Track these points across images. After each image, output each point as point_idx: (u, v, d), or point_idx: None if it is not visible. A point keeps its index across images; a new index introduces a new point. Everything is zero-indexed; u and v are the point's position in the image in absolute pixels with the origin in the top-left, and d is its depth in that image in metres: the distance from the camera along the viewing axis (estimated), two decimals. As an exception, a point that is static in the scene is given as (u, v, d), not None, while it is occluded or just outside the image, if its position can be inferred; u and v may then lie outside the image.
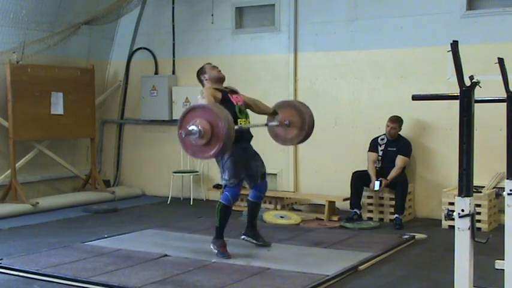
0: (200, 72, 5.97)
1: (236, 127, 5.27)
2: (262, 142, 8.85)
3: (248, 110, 5.94)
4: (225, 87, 5.90)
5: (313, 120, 6.13)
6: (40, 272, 5.06)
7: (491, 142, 6.93)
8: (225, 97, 5.71)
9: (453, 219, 2.77)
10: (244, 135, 5.77)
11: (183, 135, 4.94)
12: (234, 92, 5.92)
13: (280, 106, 6.21)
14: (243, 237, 6.01)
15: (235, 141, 5.38)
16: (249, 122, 5.85)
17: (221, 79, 5.91)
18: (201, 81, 5.96)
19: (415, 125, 7.79)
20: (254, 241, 5.99)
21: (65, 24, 8.82)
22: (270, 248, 5.96)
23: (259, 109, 6.15)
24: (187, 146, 5.06)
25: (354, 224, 7.21)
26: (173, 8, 9.61)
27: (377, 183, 7.32)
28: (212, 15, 9.16)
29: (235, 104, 5.73)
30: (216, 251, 5.59)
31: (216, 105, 5.19)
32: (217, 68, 5.97)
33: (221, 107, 5.11)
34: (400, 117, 7.54)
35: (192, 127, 4.89)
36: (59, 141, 9.39)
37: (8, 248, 6.15)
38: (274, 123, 6.11)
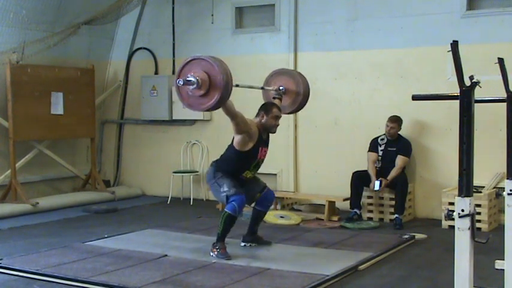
0: (265, 109, 5.73)
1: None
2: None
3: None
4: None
5: (309, 90, 6.23)
6: (40, 272, 5.06)
7: (491, 142, 6.92)
8: (257, 145, 5.60)
9: (453, 219, 2.77)
10: (243, 182, 5.70)
11: (181, 83, 4.90)
12: (267, 143, 5.78)
13: (277, 73, 6.29)
14: (243, 244, 5.97)
15: (230, 174, 5.57)
16: (255, 173, 5.80)
17: (273, 130, 5.78)
18: (257, 115, 5.76)
19: (415, 125, 7.79)
20: (255, 244, 5.98)
21: (65, 24, 8.82)
22: (269, 247, 5.96)
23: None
24: (184, 96, 5.03)
25: (354, 224, 7.21)
26: (173, 8, 9.61)
27: (377, 183, 7.32)
28: (212, 15, 9.16)
29: (257, 157, 5.64)
30: (216, 252, 5.55)
31: (215, 57, 5.07)
32: (278, 120, 5.75)
33: (218, 58, 5.03)
34: (399, 117, 7.54)
35: (190, 78, 4.87)
36: (59, 141, 9.39)
37: (8, 248, 6.15)
38: (270, 88, 6.17)
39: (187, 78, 4.89)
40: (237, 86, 5.38)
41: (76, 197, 9.05)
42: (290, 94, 6.21)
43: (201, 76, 4.87)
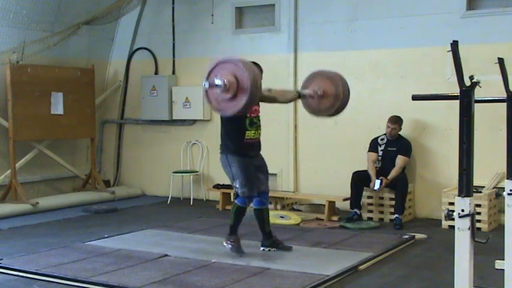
0: None
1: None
2: (261, 141, 8.88)
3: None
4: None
5: (349, 94, 5.81)
6: (40, 272, 5.07)
7: (491, 142, 6.92)
8: None
9: (453, 219, 2.77)
10: (252, 148, 5.71)
11: (207, 86, 4.75)
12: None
13: (313, 76, 5.91)
14: (262, 249, 5.88)
15: (241, 153, 5.52)
16: (259, 134, 5.75)
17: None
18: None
19: (415, 125, 7.79)
20: (274, 249, 5.86)
21: (65, 24, 8.83)
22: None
23: (281, 100, 6.05)
24: (212, 100, 4.84)
25: (354, 224, 7.21)
26: (173, 8, 9.61)
27: (377, 182, 7.32)
28: (212, 15, 9.16)
29: (248, 115, 5.60)
30: (230, 246, 5.68)
31: (243, 59, 4.89)
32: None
33: (247, 61, 4.89)
34: (399, 117, 7.54)
35: (217, 80, 4.71)
36: (59, 141, 9.39)
37: (8, 248, 6.15)
38: (306, 91, 5.77)
39: (214, 81, 4.76)
40: (269, 90, 5.29)
41: (76, 197, 9.05)
42: (328, 97, 5.74)
43: (228, 78, 4.71)
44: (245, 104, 4.70)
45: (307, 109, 5.89)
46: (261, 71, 5.72)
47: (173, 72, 9.66)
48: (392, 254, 5.85)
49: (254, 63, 5.70)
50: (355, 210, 7.44)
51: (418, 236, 6.58)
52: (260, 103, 5.69)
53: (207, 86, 4.76)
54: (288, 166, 8.68)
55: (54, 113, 8.79)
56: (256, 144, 5.79)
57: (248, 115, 5.61)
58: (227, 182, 8.89)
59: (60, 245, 6.15)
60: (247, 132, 5.62)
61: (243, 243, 5.85)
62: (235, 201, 5.75)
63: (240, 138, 5.61)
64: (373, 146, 7.68)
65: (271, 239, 5.88)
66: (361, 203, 7.52)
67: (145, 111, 9.74)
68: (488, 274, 4.94)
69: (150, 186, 9.95)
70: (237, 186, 5.61)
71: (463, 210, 2.73)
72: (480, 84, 2.80)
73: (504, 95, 4.08)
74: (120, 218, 7.99)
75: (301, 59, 8.59)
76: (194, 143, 9.46)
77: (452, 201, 4.53)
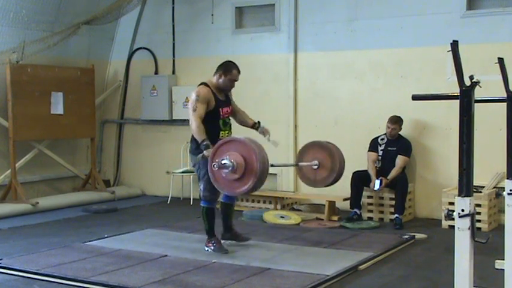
0: (224, 70, 5.72)
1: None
2: (262, 141, 8.88)
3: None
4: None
5: (344, 161, 6.02)
6: (40, 272, 5.06)
7: (491, 142, 6.92)
8: (216, 108, 5.65)
9: (453, 219, 2.77)
10: None
11: (216, 167, 4.73)
12: (227, 102, 5.82)
13: (309, 147, 6.06)
14: (222, 242, 5.98)
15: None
16: (231, 133, 5.81)
17: (228, 91, 5.84)
18: (215, 73, 5.75)
19: (415, 125, 7.79)
20: (234, 241, 6.03)
21: (65, 24, 8.83)
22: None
23: (240, 120, 6.11)
24: (217, 178, 4.85)
25: (354, 224, 7.21)
26: (173, 8, 9.61)
27: (377, 182, 7.32)
28: (212, 15, 9.16)
29: (221, 117, 5.68)
30: (213, 248, 5.69)
31: (251, 139, 4.96)
32: (234, 83, 5.79)
33: (256, 142, 4.90)
34: (400, 117, 7.54)
35: (225, 161, 4.71)
36: (59, 141, 9.39)
37: (8, 248, 6.15)
38: (304, 163, 5.93)
39: (223, 162, 4.72)
40: (272, 166, 5.29)
41: (76, 197, 9.05)
42: (325, 169, 5.92)
43: (237, 160, 4.70)
44: (251, 188, 4.72)
45: (303, 180, 6.02)
46: (239, 72, 5.79)
47: (173, 72, 9.66)
48: (392, 254, 5.85)
49: (230, 62, 5.80)
50: (355, 210, 7.44)
51: (418, 236, 6.58)
52: (232, 104, 5.87)
53: (216, 167, 4.70)
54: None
55: (54, 112, 8.79)
56: None
57: (221, 116, 5.69)
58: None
59: (60, 245, 6.15)
60: (222, 132, 5.68)
61: (240, 243, 5.92)
62: (201, 204, 5.77)
63: (214, 138, 5.60)
64: (373, 145, 7.68)
65: (231, 232, 6.04)
66: (361, 203, 7.52)
67: (145, 111, 9.74)
68: (488, 274, 4.94)
69: (150, 186, 9.95)
70: (201, 188, 5.69)
71: (463, 210, 2.73)
72: (480, 84, 2.80)
73: (504, 95, 4.08)
74: (120, 218, 7.99)
75: (301, 59, 8.59)
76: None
77: (452, 201, 4.53)
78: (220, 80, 5.69)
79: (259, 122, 6.10)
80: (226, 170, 4.75)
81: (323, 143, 6.06)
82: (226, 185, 4.85)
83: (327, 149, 5.95)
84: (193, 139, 5.62)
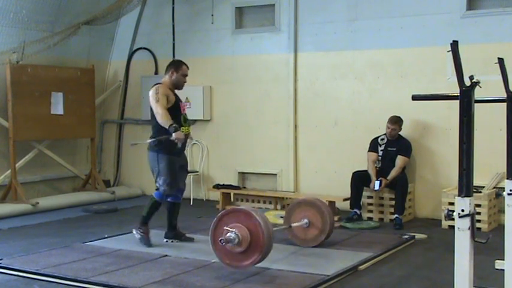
0: (175, 67, 6.04)
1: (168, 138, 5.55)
2: (262, 141, 8.90)
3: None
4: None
5: (334, 218, 6.09)
6: (40, 272, 5.07)
7: (491, 142, 6.93)
8: (177, 103, 5.93)
9: (453, 219, 2.77)
10: (182, 145, 5.96)
11: (223, 243, 4.64)
12: (180, 99, 6.10)
13: (296, 206, 6.04)
14: (165, 240, 6.21)
15: (172, 151, 5.79)
16: (190, 130, 6.10)
17: (181, 88, 6.11)
18: (167, 72, 6.04)
19: (415, 125, 7.79)
20: (177, 240, 6.21)
21: (65, 24, 8.83)
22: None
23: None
24: (219, 250, 4.77)
25: (354, 224, 7.21)
26: (173, 8, 9.61)
27: (377, 183, 7.32)
28: (212, 15, 9.16)
29: (182, 112, 5.95)
30: (140, 236, 5.95)
31: (256, 210, 4.92)
32: (186, 78, 6.11)
33: (261, 213, 4.84)
34: (400, 117, 7.53)
35: (231, 234, 4.64)
36: (59, 141, 9.39)
37: (8, 248, 6.15)
38: (296, 224, 5.88)
39: (228, 236, 4.64)
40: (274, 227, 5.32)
41: (76, 197, 9.05)
42: (314, 229, 5.90)
43: (242, 233, 4.64)
44: (255, 262, 4.70)
45: (294, 240, 5.99)
46: (187, 67, 6.10)
47: (173, 72, 9.64)
48: (392, 254, 5.85)
49: (177, 59, 5.94)
50: (355, 210, 7.44)
51: (418, 236, 6.58)
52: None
53: (222, 243, 4.64)
54: (288, 166, 8.68)
55: (54, 113, 8.79)
56: (186, 140, 6.03)
57: (182, 111, 5.97)
58: (227, 182, 8.92)
59: (60, 245, 6.15)
60: (182, 128, 5.87)
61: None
62: (153, 194, 6.03)
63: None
64: (373, 145, 7.68)
65: (175, 231, 6.26)
66: (361, 203, 7.52)
67: (145, 111, 9.71)
68: (488, 274, 4.94)
69: (150, 186, 9.92)
70: (160, 183, 5.92)
71: (463, 210, 2.73)
72: (480, 84, 2.80)
73: (504, 95, 4.08)
74: (120, 218, 7.99)
75: (301, 59, 8.59)
76: (194, 143, 9.46)
77: (452, 201, 4.53)
78: (174, 77, 6.00)
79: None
80: (230, 244, 4.68)
81: (310, 200, 6.07)
82: (230, 258, 4.76)
83: (314, 206, 5.94)
84: (152, 135, 5.88)
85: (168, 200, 6.14)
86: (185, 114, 6.07)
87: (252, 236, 4.65)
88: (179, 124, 5.80)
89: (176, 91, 6.06)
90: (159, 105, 5.69)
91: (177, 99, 5.98)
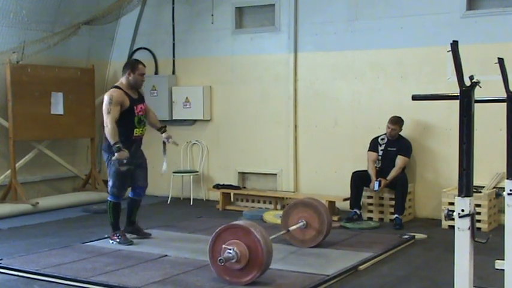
0: (131, 68, 6.02)
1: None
2: (262, 141, 8.90)
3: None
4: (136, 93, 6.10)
5: (331, 217, 6.11)
6: (40, 272, 5.07)
7: (491, 142, 6.92)
8: (131, 106, 5.93)
9: (453, 219, 2.77)
10: (136, 144, 6.04)
11: (222, 262, 4.59)
12: (140, 100, 6.11)
13: (292, 207, 6.01)
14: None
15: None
16: (145, 130, 6.12)
17: (139, 87, 6.15)
18: (124, 74, 6.04)
19: (415, 125, 7.79)
20: (135, 235, 6.29)
21: (65, 24, 8.83)
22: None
23: (150, 120, 6.36)
24: (217, 267, 4.71)
25: (354, 224, 7.21)
26: (173, 8, 9.61)
27: (376, 184, 7.32)
28: (212, 15, 9.16)
29: (136, 115, 5.95)
30: (118, 240, 6.02)
31: (254, 225, 4.79)
32: (144, 76, 6.11)
33: (261, 229, 4.75)
34: (400, 117, 7.53)
35: (230, 253, 4.58)
36: (59, 141, 9.39)
37: (8, 248, 6.15)
38: (293, 227, 5.85)
39: (228, 254, 4.59)
40: (134, 138, 5.82)
41: (76, 197, 9.05)
42: (311, 230, 5.88)
43: (241, 250, 4.59)
44: (254, 279, 4.66)
45: (293, 242, 5.96)
46: (144, 65, 6.13)
47: (173, 72, 9.66)
48: (392, 254, 5.85)
49: (133, 59, 5.96)
50: (355, 210, 7.44)
51: (418, 236, 6.58)
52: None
53: (222, 262, 4.60)
54: (288, 166, 8.68)
55: (54, 113, 8.79)
56: (139, 141, 6.13)
57: (136, 113, 5.96)
58: (227, 182, 8.92)
59: (60, 245, 6.14)
60: (136, 129, 5.97)
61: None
62: (108, 198, 6.14)
63: (128, 135, 5.94)
64: (374, 145, 7.68)
65: (133, 226, 6.35)
66: (361, 203, 7.52)
67: (145, 111, 9.73)
68: (488, 274, 4.94)
69: (150, 186, 9.85)
70: (110, 184, 6.06)
71: (463, 210, 2.73)
72: (480, 84, 2.80)
73: (504, 95, 4.08)
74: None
75: (301, 59, 8.59)
76: (194, 143, 9.46)
77: (452, 201, 4.53)
78: (131, 78, 6.00)
79: (165, 126, 6.47)
80: (229, 261, 4.65)
81: (307, 201, 6.05)
82: (228, 274, 4.71)
83: (311, 207, 5.92)
84: (105, 138, 5.90)
85: (129, 195, 6.27)
86: (141, 115, 6.04)
87: (250, 253, 4.60)
88: (132, 126, 5.91)
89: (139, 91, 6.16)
90: (110, 118, 5.74)
91: (132, 103, 5.93)
